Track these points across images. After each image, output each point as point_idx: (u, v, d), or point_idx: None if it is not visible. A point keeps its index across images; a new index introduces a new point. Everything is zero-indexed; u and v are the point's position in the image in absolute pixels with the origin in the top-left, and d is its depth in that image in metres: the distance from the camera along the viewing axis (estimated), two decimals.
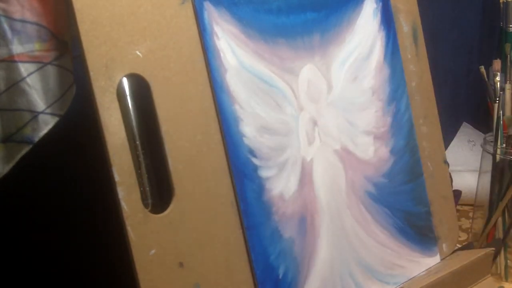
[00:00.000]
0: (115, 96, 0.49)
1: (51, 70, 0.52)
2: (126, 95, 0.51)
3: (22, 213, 0.66)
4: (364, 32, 0.70)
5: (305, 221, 0.61)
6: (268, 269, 0.58)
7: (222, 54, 0.56)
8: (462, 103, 1.23)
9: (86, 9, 0.48)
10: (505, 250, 0.84)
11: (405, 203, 0.71)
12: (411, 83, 0.75)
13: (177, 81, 0.53)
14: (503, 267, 0.84)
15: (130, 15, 0.51)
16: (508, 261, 0.84)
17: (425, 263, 0.73)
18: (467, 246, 0.81)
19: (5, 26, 0.49)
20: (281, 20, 0.62)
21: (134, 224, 0.49)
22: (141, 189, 0.51)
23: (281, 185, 0.60)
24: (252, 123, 0.58)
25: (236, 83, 0.57)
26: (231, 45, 0.57)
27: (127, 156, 0.49)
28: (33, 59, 0.51)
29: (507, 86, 0.87)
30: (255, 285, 0.57)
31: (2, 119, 0.51)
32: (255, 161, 0.58)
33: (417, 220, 0.73)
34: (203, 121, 0.55)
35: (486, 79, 0.89)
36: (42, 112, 0.51)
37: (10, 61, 0.50)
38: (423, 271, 0.72)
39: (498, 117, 0.85)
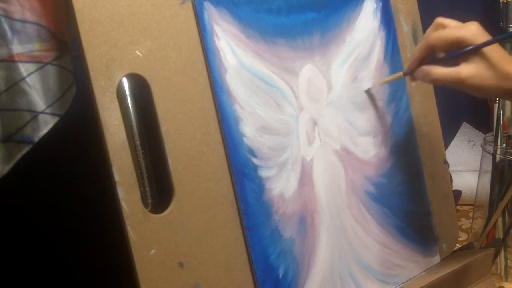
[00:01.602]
0: (115, 96, 0.49)
1: (51, 70, 0.52)
2: (126, 95, 0.51)
3: (22, 213, 0.66)
4: (364, 32, 0.70)
5: (305, 221, 0.61)
6: (268, 269, 0.58)
7: (222, 54, 0.56)
8: (462, 103, 1.23)
9: (86, 9, 0.48)
10: (505, 250, 0.84)
11: (405, 203, 0.71)
12: (411, 83, 0.75)
13: (177, 81, 0.53)
14: (503, 267, 0.84)
15: (130, 15, 0.51)
16: (508, 261, 0.84)
17: (425, 263, 0.73)
18: (467, 246, 0.81)
19: (5, 26, 0.49)
20: (281, 20, 0.62)
21: (134, 224, 0.49)
22: (141, 189, 0.51)
23: (281, 185, 0.60)
24: (252, 123, 0.58)
25: (236, 83, 0.57)
26: (231, 45, 0.57)
27: (127, 156, 0.49)
28: (33, 59, 0.51)
29: None
30: (255, 285, 0.57)
31: (2, 119, 0.51)
32: (255, 161, 0.58)
33: (417, 220, 0.73)
34: (203, 121, 0.55)
35: None
36: (42, 112, 0.51)
37: (10, 61, 0.50)
38: (423, 271, 0.72)
39: (498, 117, 0.85)
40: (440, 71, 0.59)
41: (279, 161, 0.60)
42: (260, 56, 0.60)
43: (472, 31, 0.58)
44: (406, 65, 0.63)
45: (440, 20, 0.62)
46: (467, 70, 0.57)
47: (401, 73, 0.66)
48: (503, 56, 0.57)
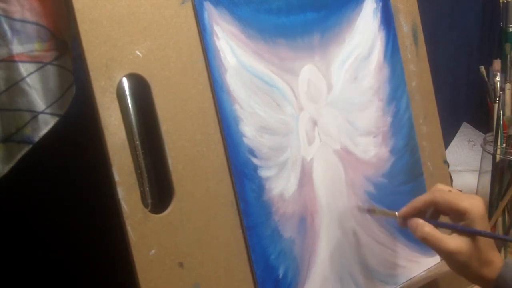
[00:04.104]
0: (115, 96, 0.49)
1: (51, 70, 0.52)
2: (126, 95, 0.51)
3: (22, 213, 0.66)
4: (364, 32, 0.70)
5: (305, 221, 0.61)
6: (268, 269, 0.58)
7: (222, 54, 0.56)
8: (462, 103, 1.23)
9: (86, 9, 0.48)
10: (505, 250, 0.84)
11: (405, 203, 0.71)
12: (411, 83, 0.75)
13: (177, 81, 0.53)
14: None
15: (130, 15, 0.51)
16: None
17: (425, 263, 0.73)
18: None
19: (5, 26, 0.49)
20: (281, 20, 0.62)
21: (134, 224, 0.49)
22: (141, 189, 0.51)
23: (281, 185, 0.60)
24: (252, 123, 0.58)
25: (236, 83, 0.57)
26: (231, 45, 0.57)
27: (127, 156, 0.49)
28: (33, 59, 0.51)
29: (507, 86, 0.87)
30: (255, 285, 0.57)
31: (2, 119, 0.51)
32: (255, 161, 0.58)
33: None
34: (203, 121, 0.55)
35: (486, 79, 0.89)
36: (42, 112, 0.51)
37: (10, 61, 0.50)
38: (423, 271, 0.72)
39: (498, 117, 0.85)
40: (432, 232, 0.58)
41: (279, 161, 0.60)
42: (260, 56, 0.60)
43: (477, 209, 0.57)
44: (403, 209, 0.61)
45: (442, 186, 0.62)
46: (457, 244, 0.57)
47: (395, 214, 0.62)
48: (489, 242, 0.58)
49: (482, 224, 0.58)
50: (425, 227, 0.58)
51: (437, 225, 0.59)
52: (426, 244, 0.59)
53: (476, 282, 0.59)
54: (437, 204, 0.60)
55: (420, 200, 0.61)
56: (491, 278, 0.57)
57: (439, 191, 0.60)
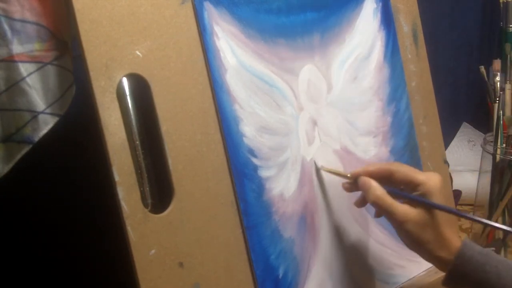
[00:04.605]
0: (115, 96, 0.49)
1: (51, 70, 0.52)
2: (126, 95, 0.51)
3: (22, 213, 0.66)
4: (364, 32, 0.70)
5: (305, 221, 0.61)
6: (268, 269, 0.58)
7: (222, 54, 0.56)
8: (462, 103, 1.23)
9: (86, 9, 0.48)
10: (505, 250, 0.84)
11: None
12: (411, 83, 0.75)
13: (177, 81, 0.53)
14: None
15: (130, 15, 0.51)
16: None
17: (425, 263, 0.72)
18: None
19: (5, 26, 0.49)
20: (281, 20, 0.62)
21: (134, 224, 0.49)
22: (141, 189, 0.51)
23: (281, 185, 0.60)
24: (252, 123, 0.58)
25: (236, 83, 0.57)
26: (231, 45, 0.57)
27: (127, 156, 0.49)
28: (33, 59, 0.51)
29: (507, 86, 0.87)
30: (255, 285, 0.57)
31: (2, 119, 0.51)
32: (255, 161, 0.58)
33: None
34: (203, 121, 0.55)
35: (486, 79, 0.89)
36: (42, 112, 0.51)
37: (10, 61, 0.50)
38: (423, 271, 0.72)
39: (498, 117, 0.85)
40: (383, 196, 0.57)
41: (279, 161, 0.60)
42: (260, 56, 0.60)
43: (434, 183, 0.57)
44: (356, 170, 0.60)
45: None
46: (407, 211, 0.56)
47: (347, 174, 0.61)
48: (448, 220, 0.56)
49: (438, 199, 0.56)
50: (377, 191, 0.57)
51: (392, 193, 0.58)
52: (376, 208, 0.58)
53: (433, 262, 0.58)
54: (393, 174, 0.58)
55: (375, 165, 0.60)
56: (448, 260, 0.55)
57: (396, 163, 0.60)
